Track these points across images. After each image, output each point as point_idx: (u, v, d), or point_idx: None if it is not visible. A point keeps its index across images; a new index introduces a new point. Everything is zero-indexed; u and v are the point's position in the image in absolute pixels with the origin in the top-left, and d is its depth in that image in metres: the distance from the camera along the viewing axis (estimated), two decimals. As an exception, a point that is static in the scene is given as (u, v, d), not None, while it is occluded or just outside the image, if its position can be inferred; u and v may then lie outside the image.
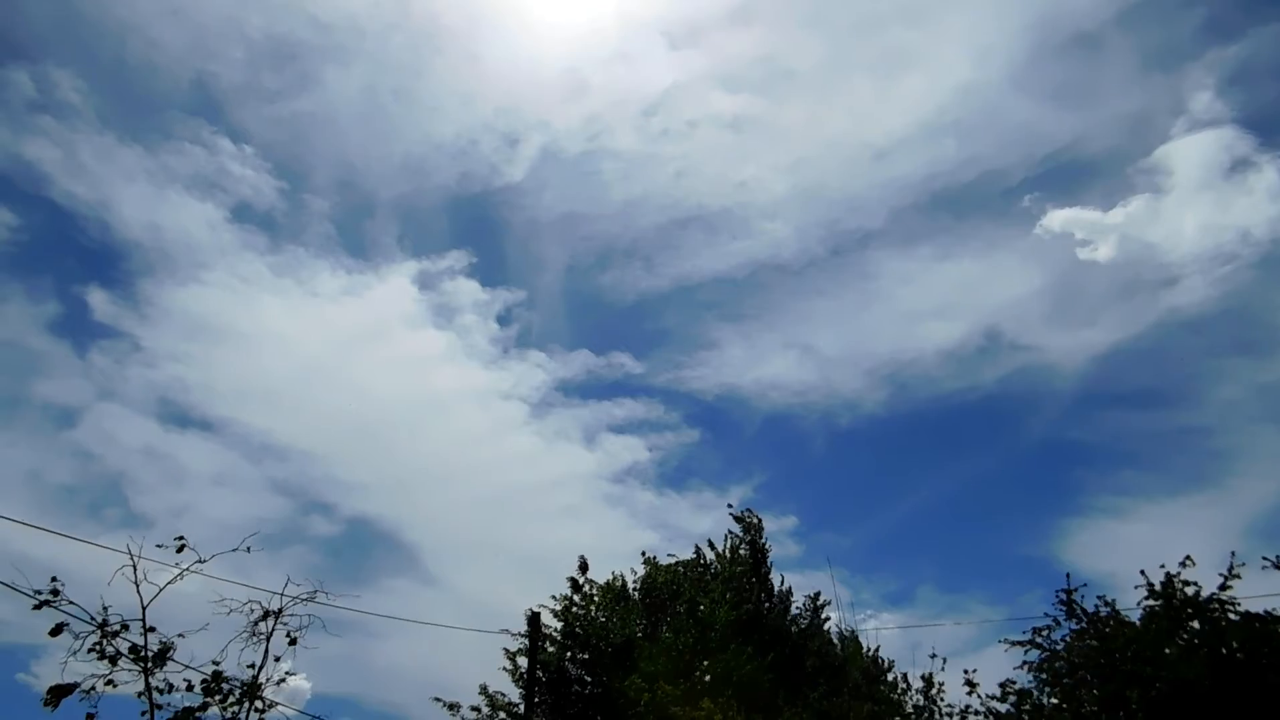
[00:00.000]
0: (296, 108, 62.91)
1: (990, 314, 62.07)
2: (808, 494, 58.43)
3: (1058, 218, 51.72)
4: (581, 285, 66.30)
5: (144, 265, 58.53)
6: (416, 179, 66.09)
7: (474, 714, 20.45)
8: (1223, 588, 14.26)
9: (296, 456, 51.85)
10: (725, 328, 66.60)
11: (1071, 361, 57.25)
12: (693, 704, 18.34)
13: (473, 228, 69.02)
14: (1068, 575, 17.50)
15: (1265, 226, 48.88)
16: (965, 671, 13.48)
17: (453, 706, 20.40)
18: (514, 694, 20.53)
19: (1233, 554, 14.84)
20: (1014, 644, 16.02)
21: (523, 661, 20.02)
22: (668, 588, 22.39)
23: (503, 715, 20.31)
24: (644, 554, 23.67)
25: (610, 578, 22.58)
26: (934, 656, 14.02)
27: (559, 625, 21.22)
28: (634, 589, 22.41)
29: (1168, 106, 58.28)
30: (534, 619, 18.90)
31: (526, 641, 19.46)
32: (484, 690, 20.60)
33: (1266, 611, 13.81)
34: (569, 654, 20.96)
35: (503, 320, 61.70)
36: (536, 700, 19.72)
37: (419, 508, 53.20)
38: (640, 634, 21.28)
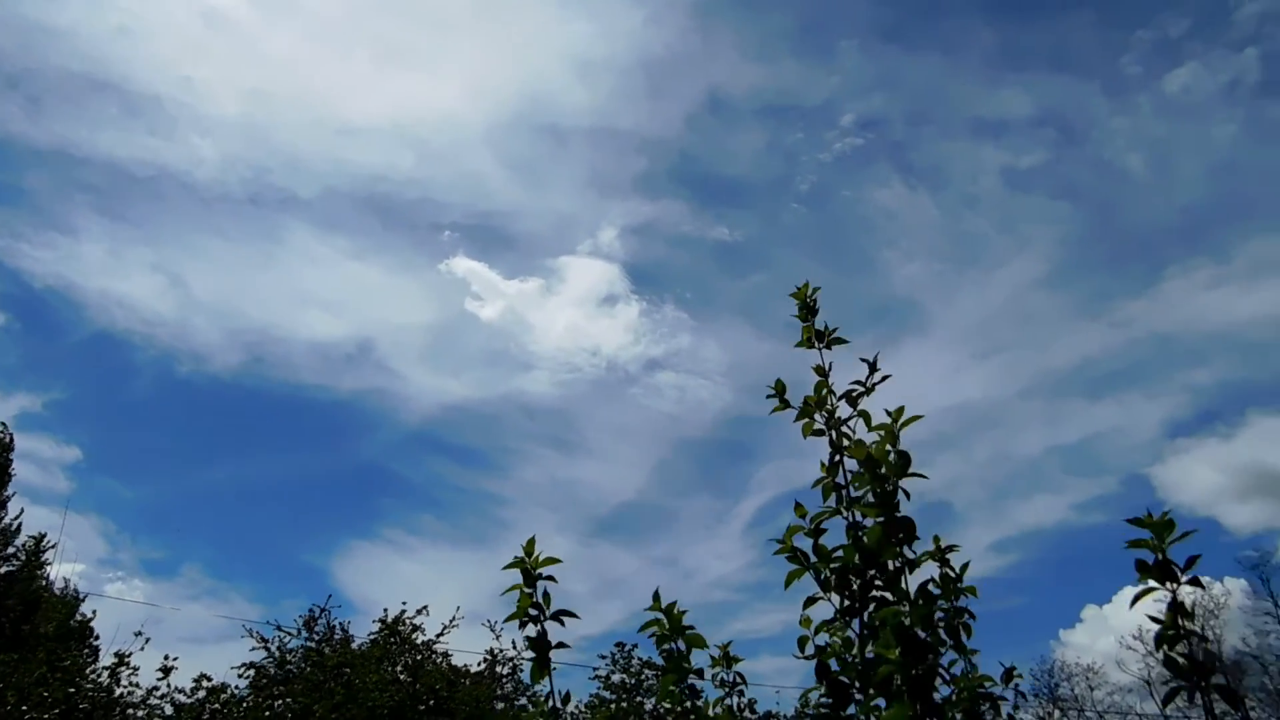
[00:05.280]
0: None
1: (373, 328, 64.23)
2: (107, 431, 51.33)
3: (464, 265, 56.99)
4: (-69, 88, 51.61)
5: None
6: None
7: None
8: (440, 635, 16.07)
9: None
10: (94, 220, 56.74)
11: (423, 401, 61.86)
12: None
13: None
14: (329, 596, 18.39)
15: (610, 350, 59.83)
16: (166, 657, 12.92)
17: None
18: None
19: (458, 608, 16.89)
20: (254, 637, 16.24)
21: None
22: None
23: None
24: None
25: None
26: (139, 634, 13.22)
27: None
28: None
29: (586, 227, 68.17)
30: None
31: None
32: None
33: (464, 666, 15.96)
34: None
35: None
36: None
37: None
38: None
